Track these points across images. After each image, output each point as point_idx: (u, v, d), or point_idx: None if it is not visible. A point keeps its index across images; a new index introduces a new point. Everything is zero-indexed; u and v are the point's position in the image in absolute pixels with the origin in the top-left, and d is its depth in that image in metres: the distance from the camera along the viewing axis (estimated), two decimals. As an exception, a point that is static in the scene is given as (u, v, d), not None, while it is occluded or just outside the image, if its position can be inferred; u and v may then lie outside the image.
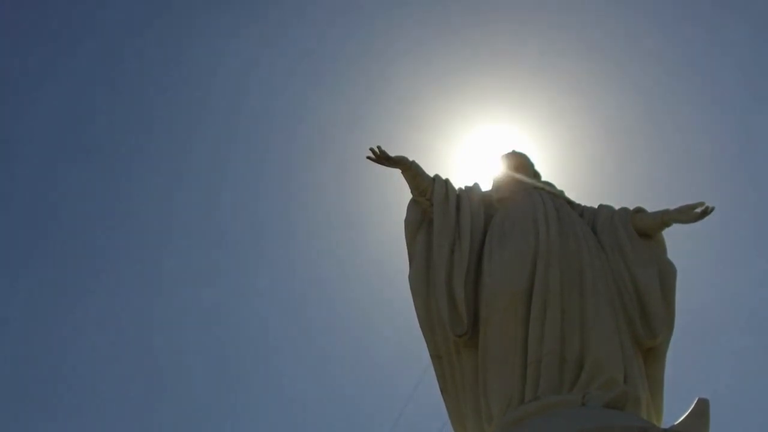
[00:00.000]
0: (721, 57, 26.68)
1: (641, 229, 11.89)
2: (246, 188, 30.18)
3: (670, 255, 11.92)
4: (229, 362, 30.27)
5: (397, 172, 12.52)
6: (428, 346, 11.56)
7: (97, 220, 31.16)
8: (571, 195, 12.74)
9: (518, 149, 13.63)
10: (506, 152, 13.56)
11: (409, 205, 12.56)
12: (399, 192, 12.77)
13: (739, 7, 26.22)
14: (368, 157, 12.31)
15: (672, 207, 11.81)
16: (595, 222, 12.11)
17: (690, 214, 11.63)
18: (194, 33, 28.53)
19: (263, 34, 28.30)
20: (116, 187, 30.55)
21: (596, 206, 12.51)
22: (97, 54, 29.99)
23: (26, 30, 30.01)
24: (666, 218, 11.81)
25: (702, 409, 10.25)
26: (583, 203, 12.66)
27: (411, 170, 12.38)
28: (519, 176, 12.81)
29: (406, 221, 12.39)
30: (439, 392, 11.62)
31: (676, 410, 10.64)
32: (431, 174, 12.58)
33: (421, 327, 11.59)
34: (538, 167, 13.39)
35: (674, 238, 12.09)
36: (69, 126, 30.31)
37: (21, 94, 30.71)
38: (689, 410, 10.30)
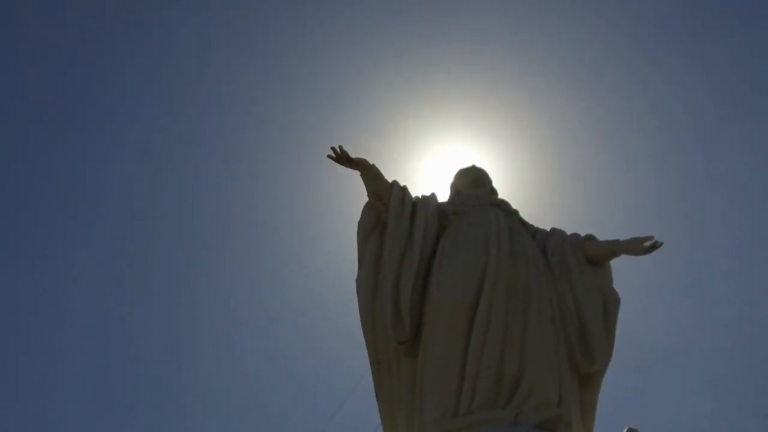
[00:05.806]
0: (691, 75, 27.07)
1: (591, 257, 11.97)
2: (212, 188, 30.07)
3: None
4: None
5: (355, 174, 12.45)
6: (368, 351, 11.48)
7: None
8: (525, 214, 12.82)
9: (478, 164, 13.73)
10: (465, 166, 13.66)
11: (364, 208, 12.49)
12: (356, 194, 12.72)
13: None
14: (329, 156, 12.17)
15: (626, 232, 11.94)
16: (546, 244, 12.18)
17: (639, 247, 11.72)
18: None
19: (225, 34, 28.28)
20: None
21: (549, 229, 12.60)
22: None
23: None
24: (615, 249, 11.91)
25: (631, 439, 10.36)
26: (536, 223, 12.74)
27: (370, 173, 12.29)
28: (476, 191, 12.89)
29: (360, 224, 12.33)
30: (374, 397, 11.56)
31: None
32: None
33: (364, 330, 11.53)
34: (495, 184, 13.50)
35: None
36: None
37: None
38: (618, 439, 10.43)
